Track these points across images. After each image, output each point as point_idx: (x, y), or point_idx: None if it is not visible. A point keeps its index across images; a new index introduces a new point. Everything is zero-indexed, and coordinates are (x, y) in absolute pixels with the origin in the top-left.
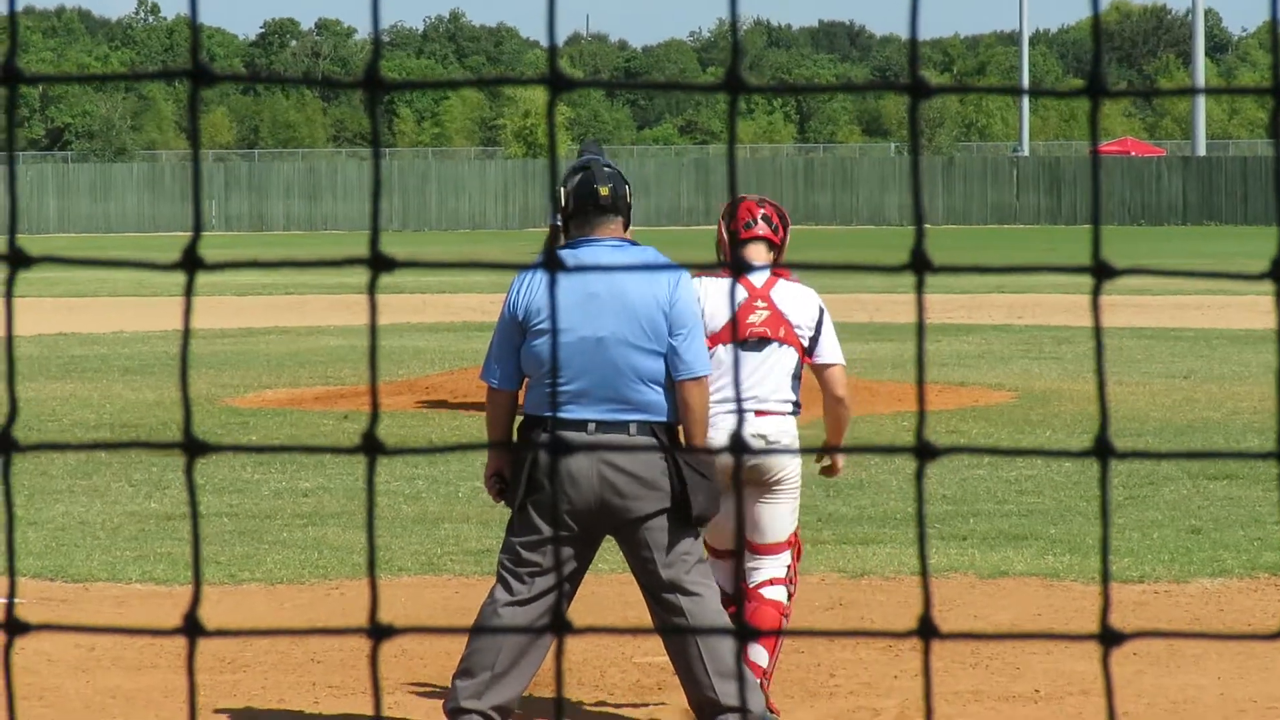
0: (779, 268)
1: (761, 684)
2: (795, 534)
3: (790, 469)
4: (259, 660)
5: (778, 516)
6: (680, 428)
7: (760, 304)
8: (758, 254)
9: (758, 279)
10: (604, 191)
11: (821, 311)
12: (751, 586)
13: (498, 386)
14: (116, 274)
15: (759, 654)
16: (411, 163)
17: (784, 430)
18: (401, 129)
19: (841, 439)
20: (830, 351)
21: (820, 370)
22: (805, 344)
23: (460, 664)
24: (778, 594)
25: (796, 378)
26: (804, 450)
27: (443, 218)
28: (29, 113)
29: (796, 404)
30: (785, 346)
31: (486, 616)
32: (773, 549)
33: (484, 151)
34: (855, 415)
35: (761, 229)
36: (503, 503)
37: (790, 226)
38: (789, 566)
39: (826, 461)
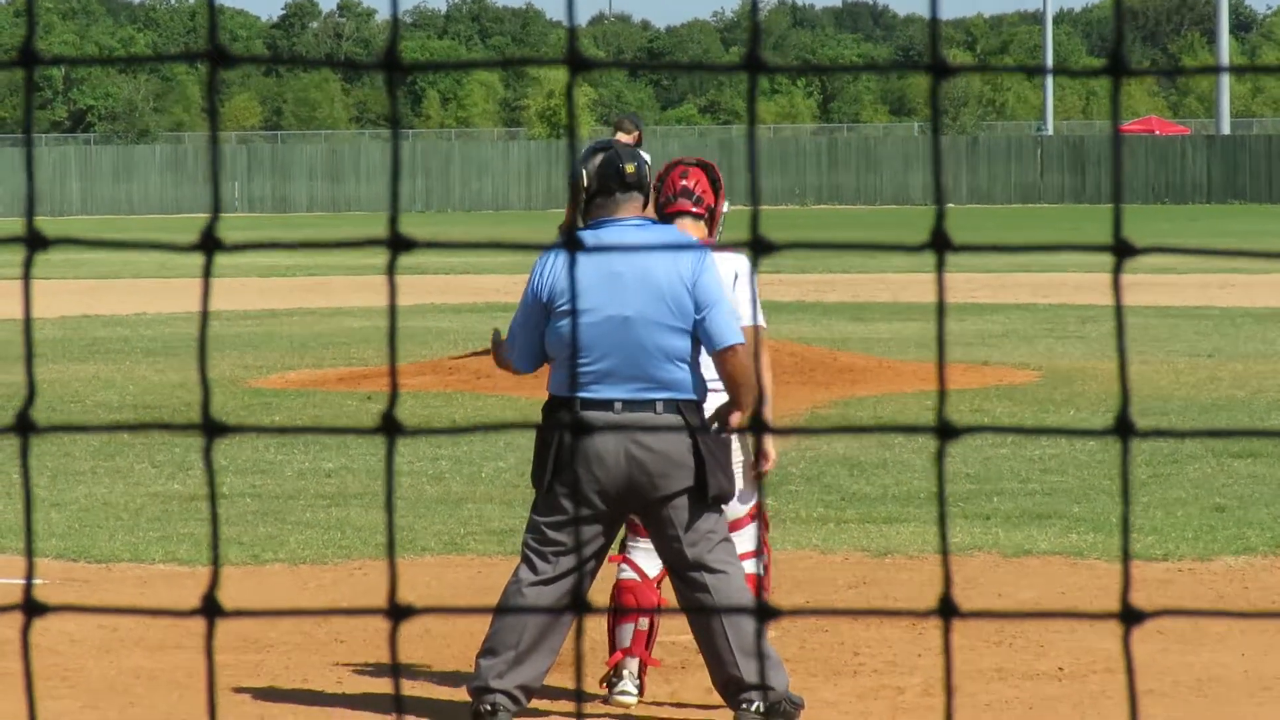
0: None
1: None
2: (756, 506)
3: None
4: (282, 640)
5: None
6: (703, 405)
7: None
8: (683, 228)
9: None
10: (630, 169)
11: (736, 277)
12: None
13: (522, 369)
14: (139, 256)
15: None
16: (435, 144)
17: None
18: (426, 111)
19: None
20: (741, 315)
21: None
22: None
23: (484, 643)
24: (750, 568)
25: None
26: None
27: (466, 199)
28: (52, 94)
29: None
30: None
31: (511, 596)
32: (735, 525)
33: (507, 133)
34: (879, 394)
35: (683, 204)
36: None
37: (723, 189)
38: (756, 538)
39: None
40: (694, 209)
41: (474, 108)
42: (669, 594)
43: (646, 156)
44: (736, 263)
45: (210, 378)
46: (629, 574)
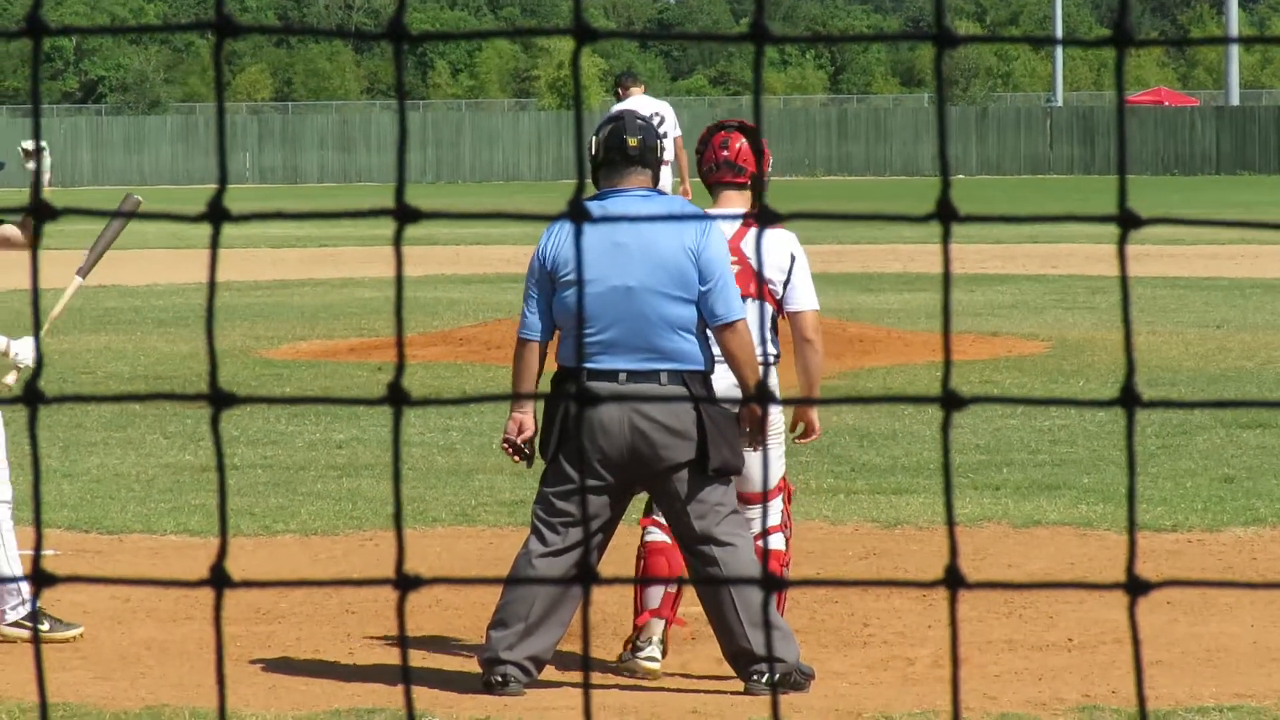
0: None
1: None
2: (784, 479)
3: (773, 416)
4: (293, 611)
5: (766, 464)
6: (709, 376)
7: (731, 259)
8: (728, 200)
9: (728, 228)
10: (633, 142)
11: (793, 258)
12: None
13: (532, 339)
14: (149, 226)
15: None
16: (445, 114)
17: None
18: (436, 81)
19: (815, 389)
20: (801, 298)
21: (791, 317)
22: (778, 294)
23: (495, 615)
24: (778, 542)
25: (773, 329)
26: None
27: (477, 169)
28: (63, 65)
29: (776, 355)
30: (758, 301)
31: (521, 567)
32: (755, 496)
33: (518, 103)
34: (889, 365)
35: (724, 174)
36: (520, 461)
37: (766, 151)
38: (782, 511)
39: (800, 429)
40: (735, 179)
41: (486, 76)
42: None
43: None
44: (792, 244)
45: (221, 349)
46: (657, 536)
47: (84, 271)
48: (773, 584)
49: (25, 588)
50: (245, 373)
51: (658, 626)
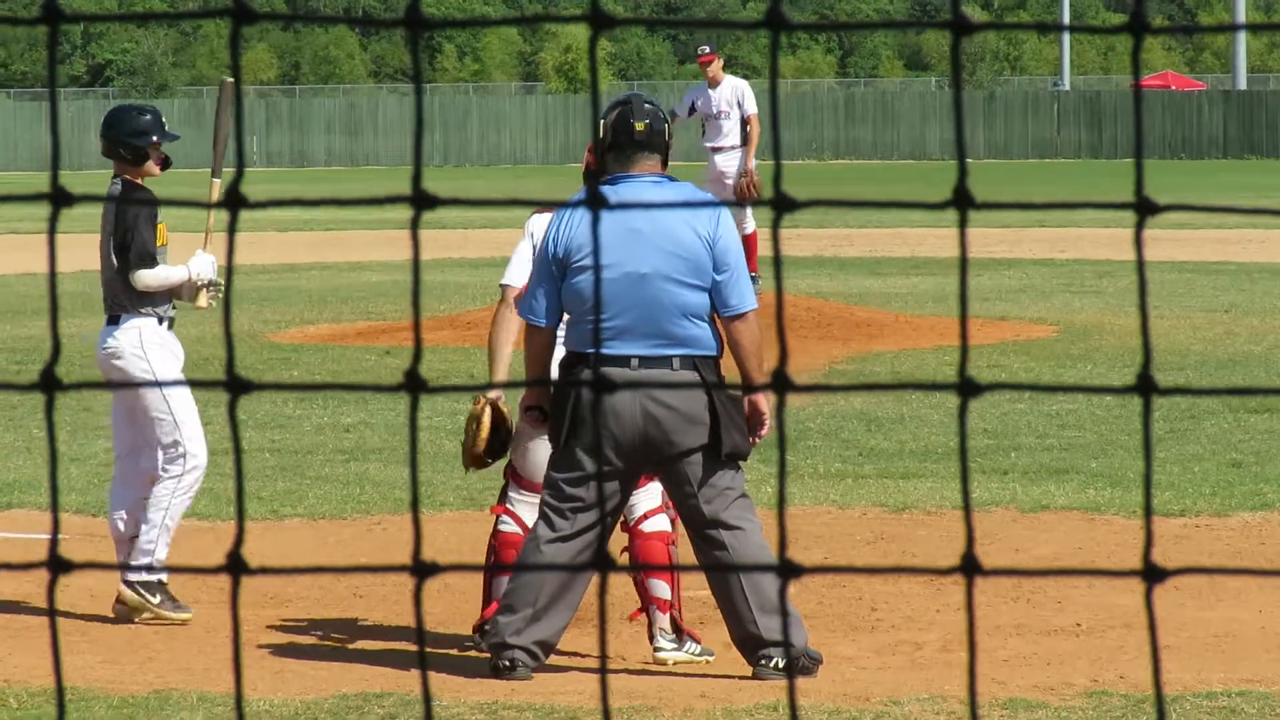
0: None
1: (673, 616)
2: None
3: None
4: (302, 595)
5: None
6: (720, 362)
7: None
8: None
9: None
10: (640, 127)
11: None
12: (632, 524)
13: (541, 324)
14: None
15: (659, 587)
16: (453, 98)
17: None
18: (443, 64)
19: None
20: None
21: None
22: None
23: (503, 600)
24: (659, 524)
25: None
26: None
27: (484, 153)
28: (70, 49)
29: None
30: None
31: (529, 553)
32: (641, 480)
33: (524, 87)
34: (897, 350)
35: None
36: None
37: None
38: (663, 493)
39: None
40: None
41: (492, 60)
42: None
43: (747, 91)
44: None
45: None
46: (511, 527)
47: (217, 171)
48: (789, 570)
49: (161, 556)
50: (253, 356)
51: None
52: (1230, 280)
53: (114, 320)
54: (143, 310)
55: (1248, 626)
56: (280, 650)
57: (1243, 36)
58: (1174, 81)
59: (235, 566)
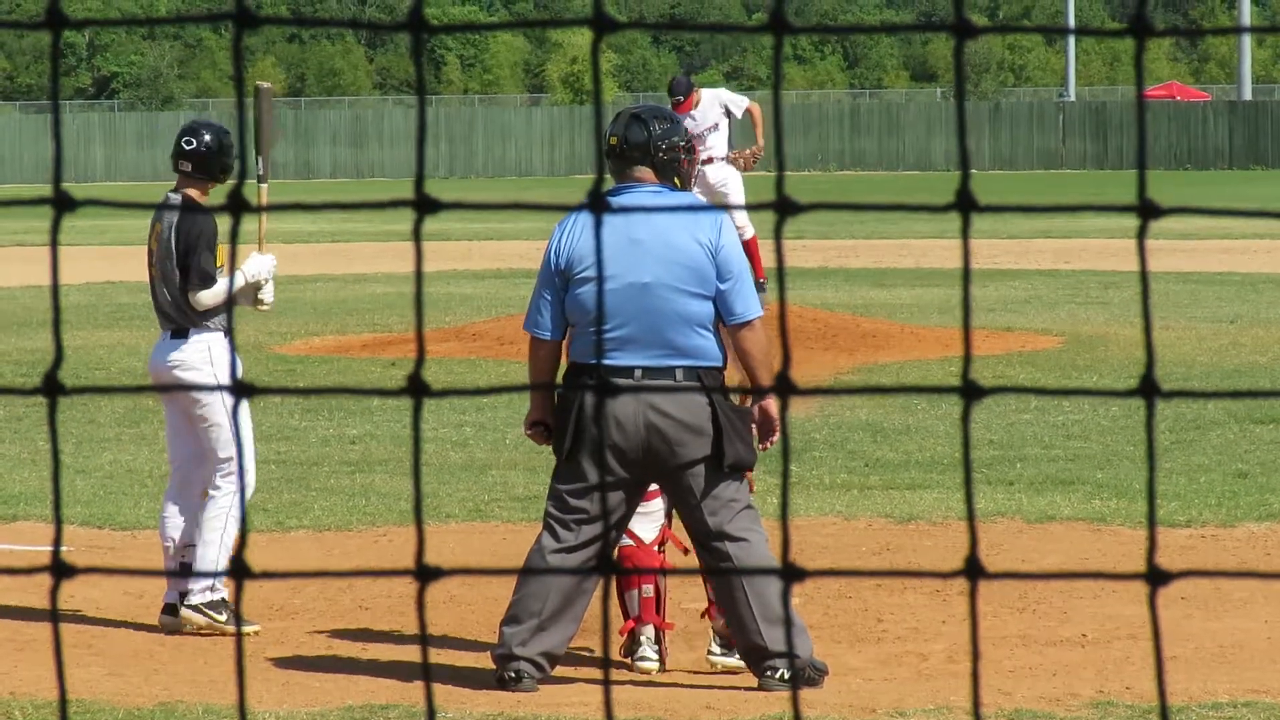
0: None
1: (657, 627)
2: None
3: None
4: (307, 607)
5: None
6: (724, 373)
7: None
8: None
9: None
10: (612, 140)
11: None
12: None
13: (545, 338)
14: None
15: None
16: (458, 110)
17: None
18: (448, 76)
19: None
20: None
21: None
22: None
23: (508, 611)
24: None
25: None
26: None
27: (489, 165)
28: (76, 61)
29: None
30: None
31: (534, 564)
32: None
33: (530, 98)
34: (903, 360)
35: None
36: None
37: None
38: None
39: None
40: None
41: (498, 71)
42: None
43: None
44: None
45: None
46: (625, 541)
47: (263, 178)
48: (793, 575)
49: (221, 576)
50: (258, 368)
51: (648, 629)
52: (1235, 291)
53: (180, 333)
54: (210, 325)
55: (1254, 637)
56: (286, 662)
57: (1248, 47)
58: (1179, 92)
59: (238, 571)
